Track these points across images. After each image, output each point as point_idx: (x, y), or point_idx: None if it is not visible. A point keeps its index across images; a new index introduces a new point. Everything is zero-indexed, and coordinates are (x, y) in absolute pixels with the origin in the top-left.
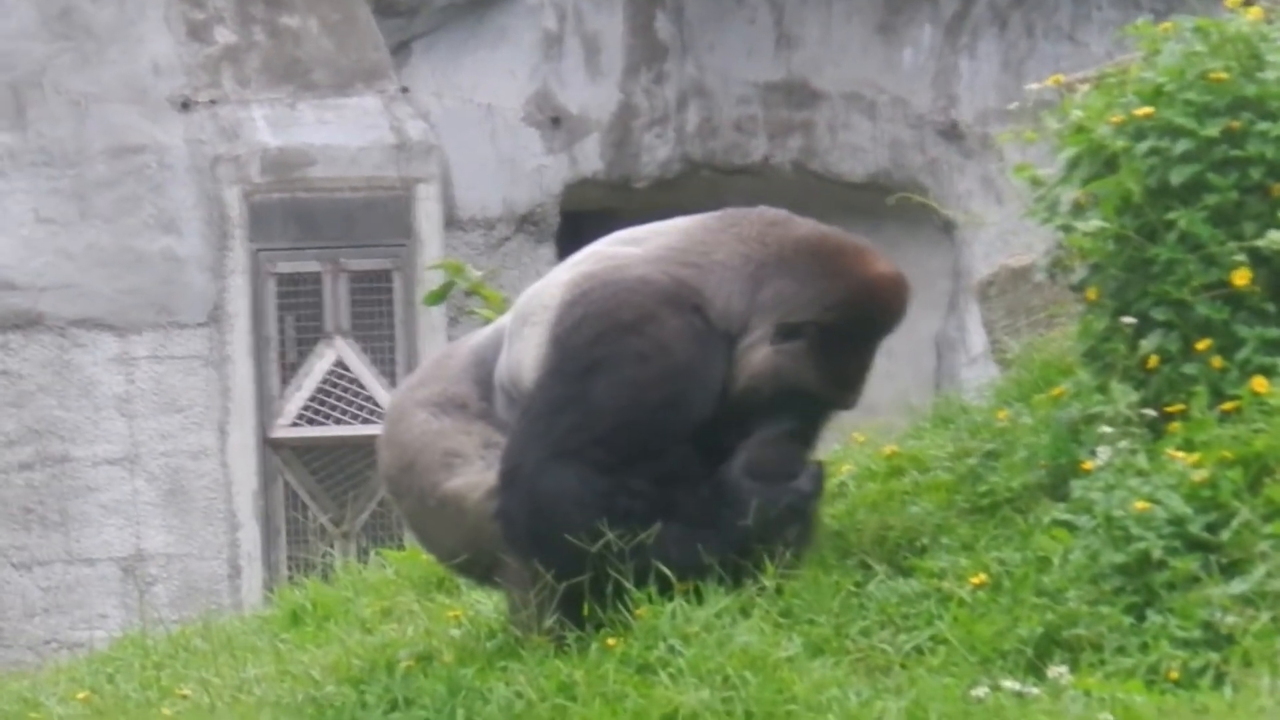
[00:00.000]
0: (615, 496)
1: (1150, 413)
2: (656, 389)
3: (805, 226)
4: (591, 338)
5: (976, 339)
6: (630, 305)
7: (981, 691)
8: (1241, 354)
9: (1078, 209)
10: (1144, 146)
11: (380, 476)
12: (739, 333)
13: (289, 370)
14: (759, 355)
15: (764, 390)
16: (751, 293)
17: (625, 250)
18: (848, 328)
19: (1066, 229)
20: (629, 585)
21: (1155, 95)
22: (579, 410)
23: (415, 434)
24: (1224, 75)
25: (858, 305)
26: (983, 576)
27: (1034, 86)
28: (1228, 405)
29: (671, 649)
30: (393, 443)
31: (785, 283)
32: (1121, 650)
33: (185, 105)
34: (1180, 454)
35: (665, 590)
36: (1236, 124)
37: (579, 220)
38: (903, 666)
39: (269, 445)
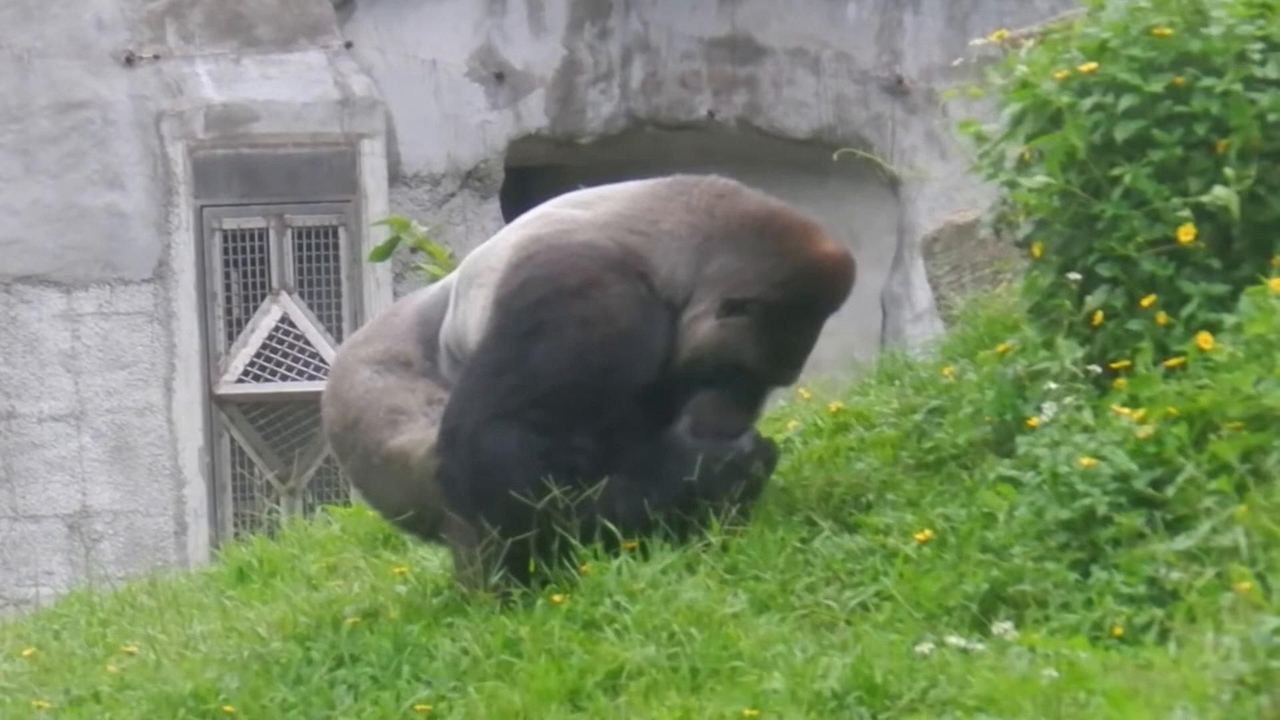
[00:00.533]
0: (556, 454)
1: (1095, 369)
2: (598, 354)
3: (754, 200)
4: (535, 301)
5: (921, 295)
6: (575, 270)
7: (926, 647)
8: (1186, 310)
9: (1023, 165)
10: (1089, 102)
11: (325, 434)
12: (683, 303)
13: (235, 326)
14: (703, 328)
15: (707, 362)
16: (697, 264)
17: (573, 214)
18: (792, 306)
19: (1011, 185)
20: (575, 542)
21: (1100, 51)
22: (520, 372)
23: (359, 391)
24: (1168, 31)
25: (803, 284)
26: (928, 533)
27: (979, 42)
28: (1173, 361)
29: (617, 605)
30: (337, 399)
31: (731, 258)
32: (1066, 606)
33: (129, 61)
34: (1125, 410)
35: (611, 547)
36: (1181, 80)
37: (524, 176)
38: (848, 623)
39: (215, 401)
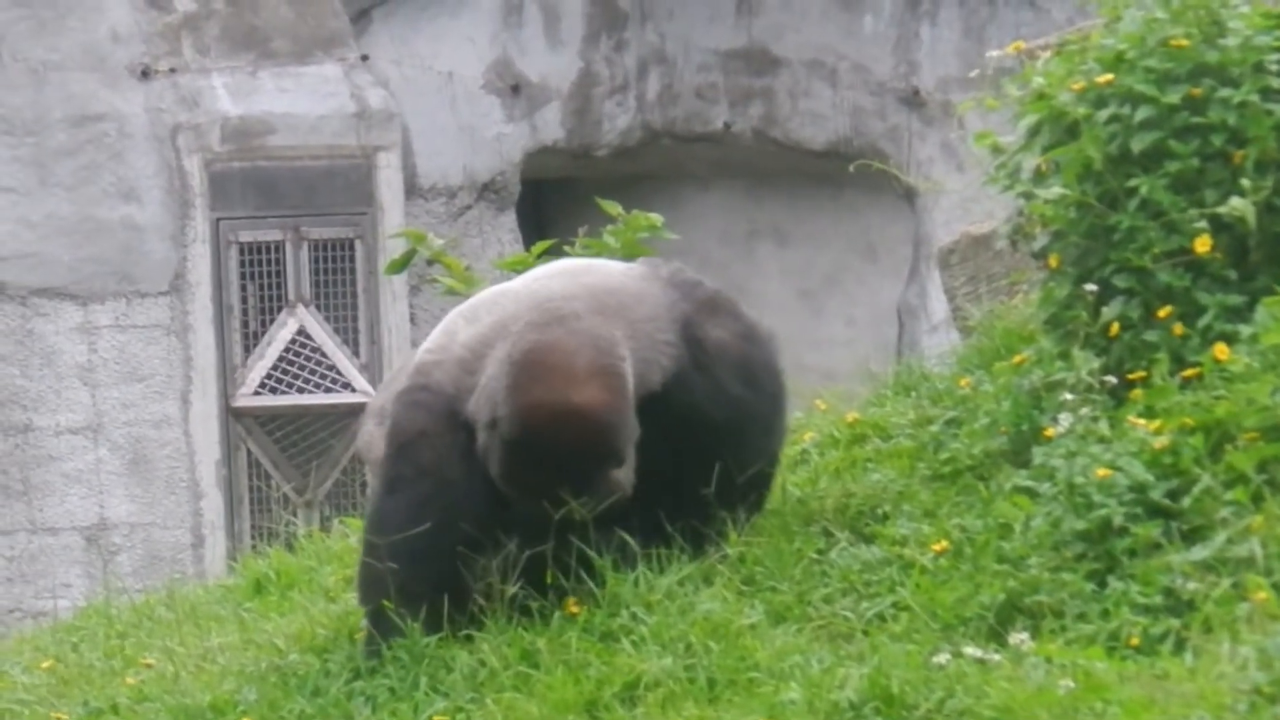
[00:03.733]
0: (409, 585)
1: (1112, 380)
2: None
3: (550, 335)
4: (386, 455)
5: (938, 306)
6: (411, 425)
7: (943, 658)
8: (1203, 321)
9: (1039, 176)
10: (1105, 114)
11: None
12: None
13: (251, 339)
14: (481, 439)
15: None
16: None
17: (447, 339)
18: (514, 443)
19: (1028, 196)
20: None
21: (1116, 62)
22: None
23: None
24: (1185, 42)
25: (515, 425)
26: (944, 543)
27: (995, 53)
28: (1189, 372)
29: (634, 617)
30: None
31: (496, 383)
32: (1083, 617)
33: (145, 73)
34: (1141, 421)
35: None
36: (1197, 91)
37: (540, 188)
38: (865, 633)
39: (232, 414)
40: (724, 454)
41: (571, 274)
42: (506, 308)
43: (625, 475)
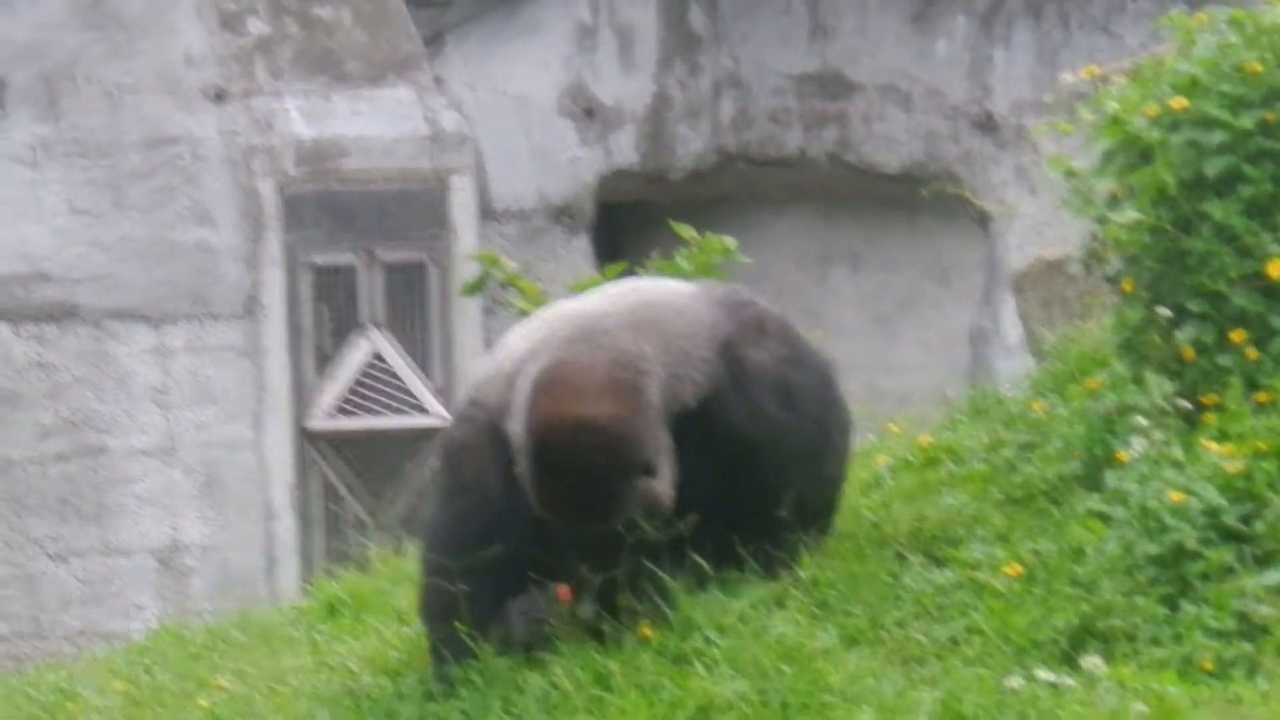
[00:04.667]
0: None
1: (1185, 404)
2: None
3: (575, 351)
4: (437, 469)
5: (1011, 330)
6: (454, 441)
7: (1016, 682)
8: (1276, 345)
9: (1113, 201)
10: (1179, 138)
11: None
12: None
13: (324, 362)
14: (518, 462)
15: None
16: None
17: (500, 357)
18: (533, 458)
19: (1102, 221)
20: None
21: (1190, 87)
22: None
23: None
24: (1259, 67)
25: (531, 441)
26: (1017, 567)
27: (1069, 78)
28: (1262, 396)
29: (707, 640)
30: None
31: (520, 400)
32: (1155, 641)
33: (219, 96)
34: (1215, 445)
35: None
36: (1271, 116)
37: (614, 211)
38: (938, 657)
39: (305, 437)
40: (767, 476)
41: (620, 293)
42: (551, 324)
43: (662, 489)
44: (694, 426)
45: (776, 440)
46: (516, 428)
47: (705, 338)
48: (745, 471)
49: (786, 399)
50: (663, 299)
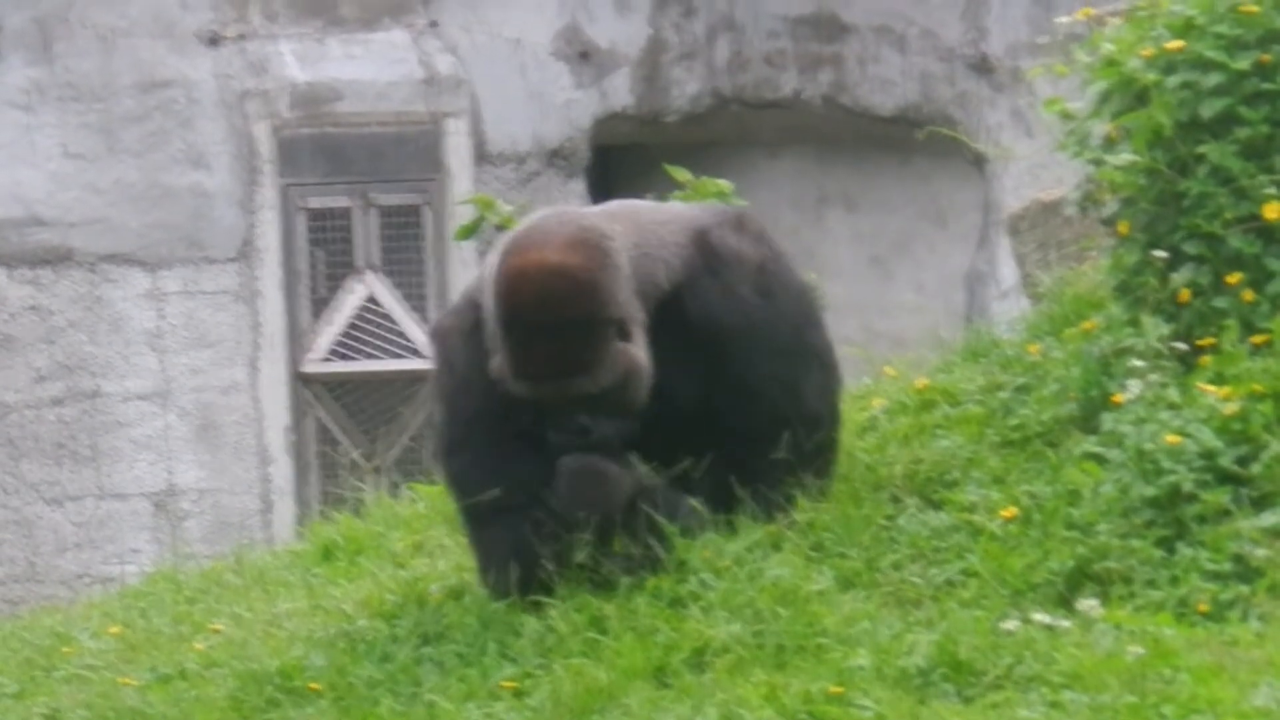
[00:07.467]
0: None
1: (1181, 346)
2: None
3: (541, 221)
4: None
5: (1007, 273)
6: (439, 325)
7: (1012, 624)
8: (1272, 287)
9: (1109, 143)
10: (1175, 80)
11: None
12: None
13: (319, 305)
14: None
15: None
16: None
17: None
18: (503, 322)
19: (1097, 163)
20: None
21: (1186, 28)
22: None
23: None
24: (1254, 8)
25: (500, 301)
26: (1013, 510)
27: (1064, 20)
28: (1258, 339)
29: (703, 583)
30: None
31: (489, 273)
32: (1151, 583)
33: (213, 40)
34: (1211, 387)
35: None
36: (1267, 57)
37: (609, 155)
38: (933, 600)
39: (300, 380)
40: (742, 374)
41: (604, 205)
42: (530, 219)
43: (640, 356)
44: (670, 321)
45: (751, 329)
46: (488, 301)
47: (680, 225)
48: (720, 368)
49: (763, 287)
50: (643, 203)
